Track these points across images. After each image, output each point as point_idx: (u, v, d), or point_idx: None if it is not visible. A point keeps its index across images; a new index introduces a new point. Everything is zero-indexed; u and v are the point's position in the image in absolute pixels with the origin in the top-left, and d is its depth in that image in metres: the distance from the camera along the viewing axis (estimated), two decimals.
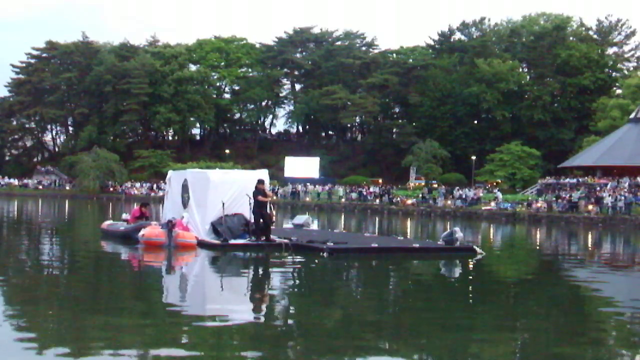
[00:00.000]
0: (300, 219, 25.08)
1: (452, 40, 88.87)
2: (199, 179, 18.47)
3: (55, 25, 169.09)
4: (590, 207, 41.96)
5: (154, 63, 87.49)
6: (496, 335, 8.42)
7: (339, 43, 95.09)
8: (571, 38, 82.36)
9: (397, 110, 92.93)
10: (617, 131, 57.65)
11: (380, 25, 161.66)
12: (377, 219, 42.29)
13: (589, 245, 25.71)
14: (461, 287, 12.65)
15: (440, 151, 72.39)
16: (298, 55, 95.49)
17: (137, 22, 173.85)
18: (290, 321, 9.08)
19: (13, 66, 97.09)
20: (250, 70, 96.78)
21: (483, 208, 47.10)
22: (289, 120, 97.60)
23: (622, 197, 41.48)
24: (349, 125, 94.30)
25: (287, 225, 25.57)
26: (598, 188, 47.46)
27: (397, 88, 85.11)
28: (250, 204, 17.16)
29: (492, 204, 47.88)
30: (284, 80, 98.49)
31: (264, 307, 10.08)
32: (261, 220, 17.19)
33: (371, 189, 62.26)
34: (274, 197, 50.69)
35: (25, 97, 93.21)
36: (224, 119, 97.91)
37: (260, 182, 17.45)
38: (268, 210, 17.65)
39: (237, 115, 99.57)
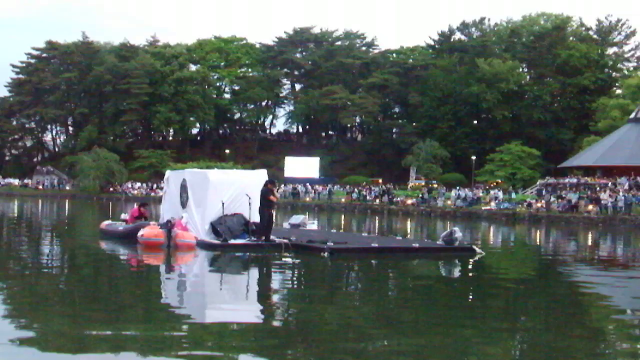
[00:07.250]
0: (296, 219, 25.06)
1: (452, 40, 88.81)
2: (198, 179, 18.43)
3: (55, 25, 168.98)
4: (590, 207, 41.91)
5: (154, 63, 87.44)
6: (496, 334, 8.40)
7: (339, 43, 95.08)
8: (571, 38, 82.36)
9: (397, 110, 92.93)
10: (617, 131, 57.60)
11: (380, 25, 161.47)
12: (377, 219, 42.27)
13: (589, 245, 25.68)
14: (461, 287, 12.64)
15: (440, 151, 72.29)
16: (298, 55, 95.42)
17: (137, 22, 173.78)
18: (291, 321, 9.07)
19: (13, 66, 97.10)
20: (250, 70, 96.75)
21: (483, 208, 47.09)
22: (289, 120, 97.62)
23: (622, 197, 41.43)
24: (349, 125, 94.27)
25: (285, 225, 25.54)
26: (598, 188, 47.40)
27: (397, 88, 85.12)
28: (249, 204, 17.16)
29: (492, 204, 47.84)
30: (284, 80, 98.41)
31: (264, 307, 10.05)
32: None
33: (372, 191, 62.06)
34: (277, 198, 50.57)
35: (25, 97, 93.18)
36: (224, 119, 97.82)
37: (271, 182, 17.56)
38: None
39: (237, 115, 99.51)
